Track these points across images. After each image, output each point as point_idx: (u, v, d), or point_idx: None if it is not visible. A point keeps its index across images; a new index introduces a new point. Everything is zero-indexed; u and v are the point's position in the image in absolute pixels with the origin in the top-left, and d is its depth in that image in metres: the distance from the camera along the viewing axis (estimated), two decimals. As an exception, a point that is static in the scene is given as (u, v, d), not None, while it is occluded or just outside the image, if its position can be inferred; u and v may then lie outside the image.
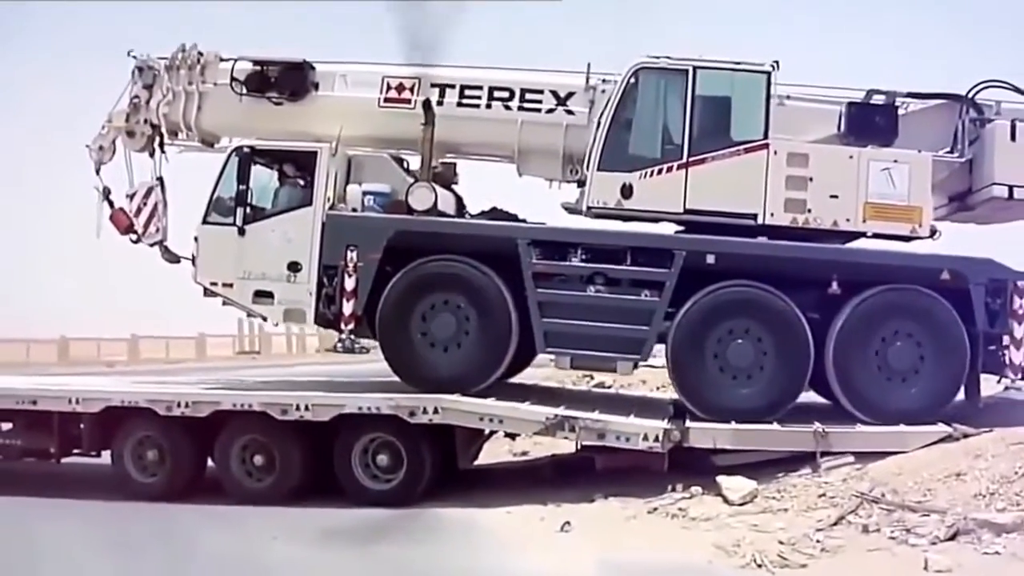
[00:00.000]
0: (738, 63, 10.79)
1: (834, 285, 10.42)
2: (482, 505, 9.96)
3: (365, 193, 11.15)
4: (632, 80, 10.76)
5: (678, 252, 10.49)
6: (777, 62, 10.83)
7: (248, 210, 11.08)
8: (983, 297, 10.36)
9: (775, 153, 10.58)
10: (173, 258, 11.87)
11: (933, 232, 10.98)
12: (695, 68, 10.68)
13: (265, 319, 11.47)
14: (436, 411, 10.09)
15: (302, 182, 11.20)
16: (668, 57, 10.80)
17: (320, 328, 12.35)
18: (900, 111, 11.14)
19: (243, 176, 11.09)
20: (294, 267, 10.89)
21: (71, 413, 10.95)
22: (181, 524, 9.73)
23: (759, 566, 7.65)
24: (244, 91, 11.64)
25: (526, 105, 11.49)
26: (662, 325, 10.54)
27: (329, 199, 11.01)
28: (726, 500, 9.27)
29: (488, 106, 11.56)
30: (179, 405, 10.57)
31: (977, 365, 10.55)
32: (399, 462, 10.34)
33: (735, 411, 10.27)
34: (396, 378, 11.01)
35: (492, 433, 11.23)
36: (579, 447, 10.38)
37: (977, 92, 11.07)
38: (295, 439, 10.46)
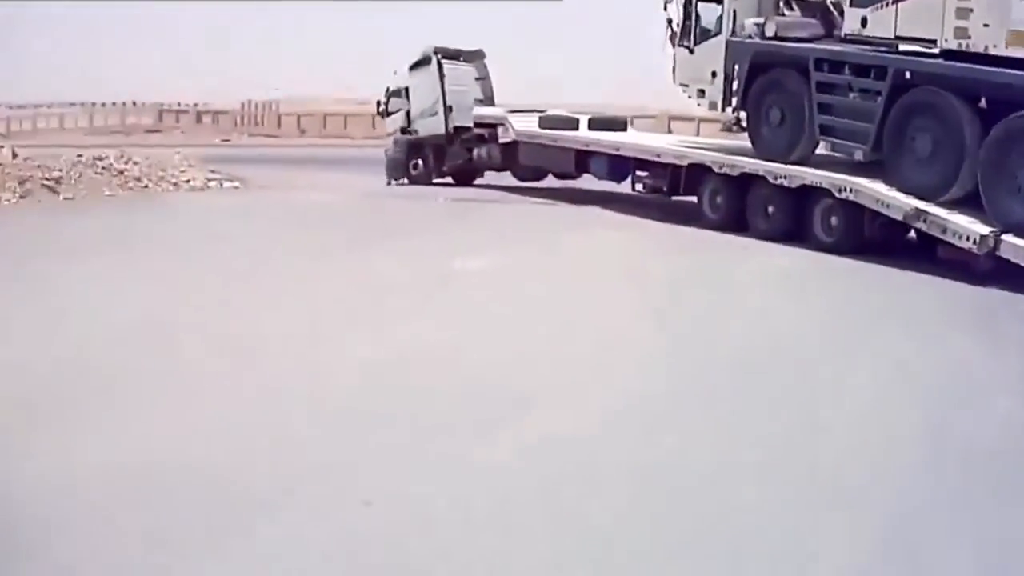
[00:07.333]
0: None
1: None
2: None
3: (754, 24, 16.80)
4: None
5: (890, 68, 14.07)
6: None
7: (698, 35, 17.84)
8: None
9: None
10: None
11: None
12: None
13: (700, 106, 18.24)
14: (851, 191, 14.18)
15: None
16: None
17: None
18: None
19: (689, 14, 17.81)
20: (713, 75, 17.34)
21: (672, 166, 17.89)
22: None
23: None
24: None
25: None
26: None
27: (731, 28, 17.06)
28: None
29: None
30: (782, 177, 15.32)
31: None
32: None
33: (915, 187, 13.67)
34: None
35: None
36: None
37: None
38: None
